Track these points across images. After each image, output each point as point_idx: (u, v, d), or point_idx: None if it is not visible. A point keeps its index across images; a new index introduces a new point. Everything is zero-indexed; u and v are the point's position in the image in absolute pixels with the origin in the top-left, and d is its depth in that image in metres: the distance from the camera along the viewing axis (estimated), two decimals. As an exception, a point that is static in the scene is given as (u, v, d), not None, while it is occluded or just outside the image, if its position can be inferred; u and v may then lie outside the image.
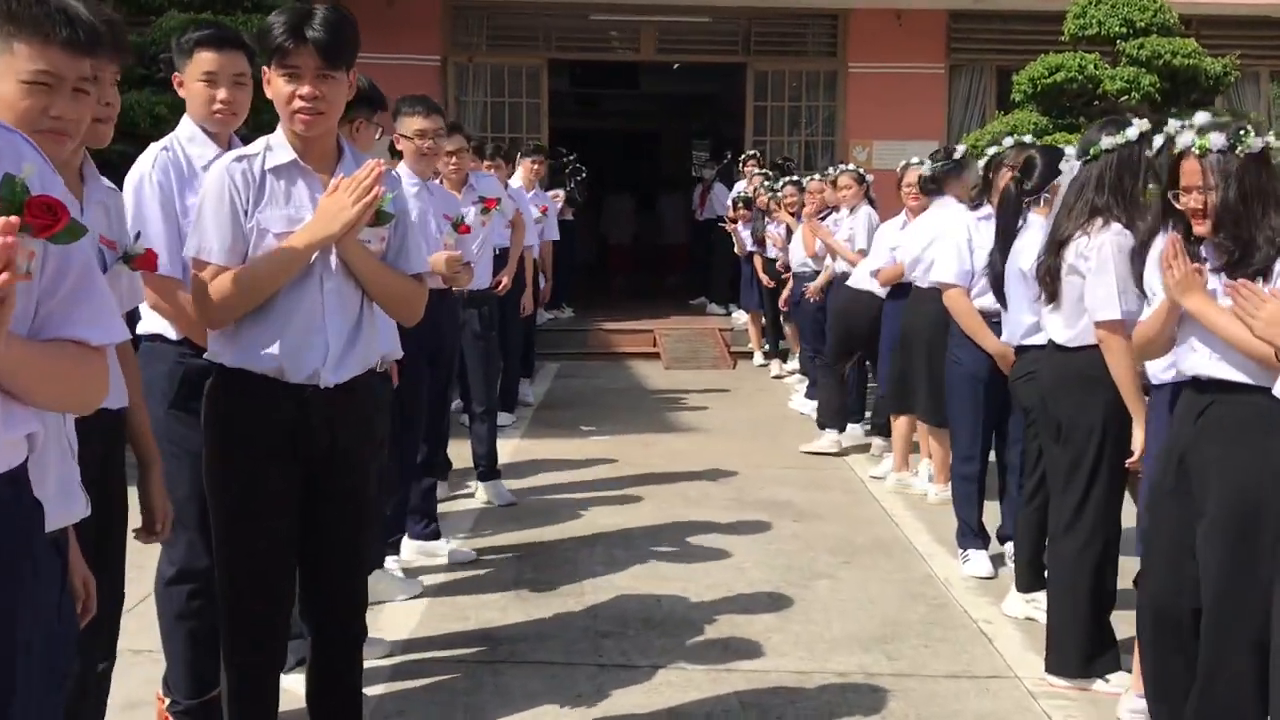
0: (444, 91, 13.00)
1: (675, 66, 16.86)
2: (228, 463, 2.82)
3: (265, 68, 2.79)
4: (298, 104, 2.76)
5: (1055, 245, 3.74)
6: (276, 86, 2.76)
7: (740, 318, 12.62)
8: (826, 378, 7.57)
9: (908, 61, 13.41)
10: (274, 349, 2.76)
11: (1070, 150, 4.06)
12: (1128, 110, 11.09)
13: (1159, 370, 3.50)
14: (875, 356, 7.36)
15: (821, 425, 7.54)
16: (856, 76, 13.47)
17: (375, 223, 2.84)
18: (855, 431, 7.68)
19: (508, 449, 7.31)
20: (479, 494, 6.17)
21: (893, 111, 13.29)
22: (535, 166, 9.65)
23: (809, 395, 8.69)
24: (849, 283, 7.34)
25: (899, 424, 6.63)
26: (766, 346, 11.21)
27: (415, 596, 4.62)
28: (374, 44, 13.16)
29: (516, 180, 11.59)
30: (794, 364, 10.61)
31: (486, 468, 6.16)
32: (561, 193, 12.35)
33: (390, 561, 4.76)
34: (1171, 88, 10.62)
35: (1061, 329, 3.79)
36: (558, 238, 10.09)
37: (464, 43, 13.19)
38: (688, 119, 20.90)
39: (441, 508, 5.93)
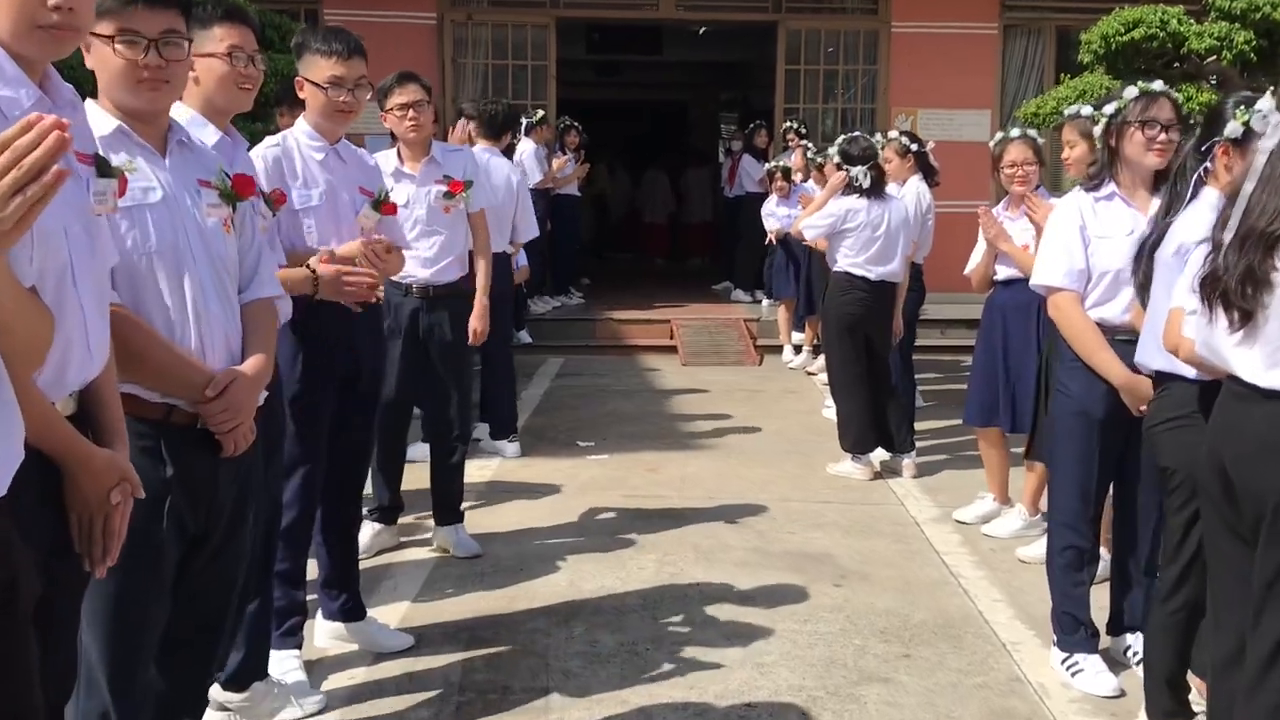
0: (440, 54, 11.71)
1: (701, 30, 15.53)
2: None
3: None
4: None
5: (1265, 241, 2.41)
6: None
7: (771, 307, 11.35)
8: (846, 391, 6.26)
9: (957, 21, 12.01)
10: None
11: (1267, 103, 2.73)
12: (1215, 73, 9.72)
13: None
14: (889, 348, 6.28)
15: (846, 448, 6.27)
16: (900, 37, 12.06)
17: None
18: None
19: (485, 473, 6.07)
20: (436, 541, 4.91)
21: (940, 77, 11.91)
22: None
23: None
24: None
25: (989, 440, 5.39)
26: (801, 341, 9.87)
27: (313, 715, 3.38)
28: (365, 1, 11.97)
29: (521, 153, 10.38)
30: (820, 359, 9.33)
31: (446, 508, 4.90)
32: (568, 157, 11.10)
33: (287, 660, 3.51)
34: (1269, 46, 9.20)
35: (1261, 369, 2.47)
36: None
37: (462, 0, 11.87)
38: (716, 89, 19.60)
39: (386, 559, 4.73)
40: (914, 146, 6.73)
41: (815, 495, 5.82)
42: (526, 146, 10.38)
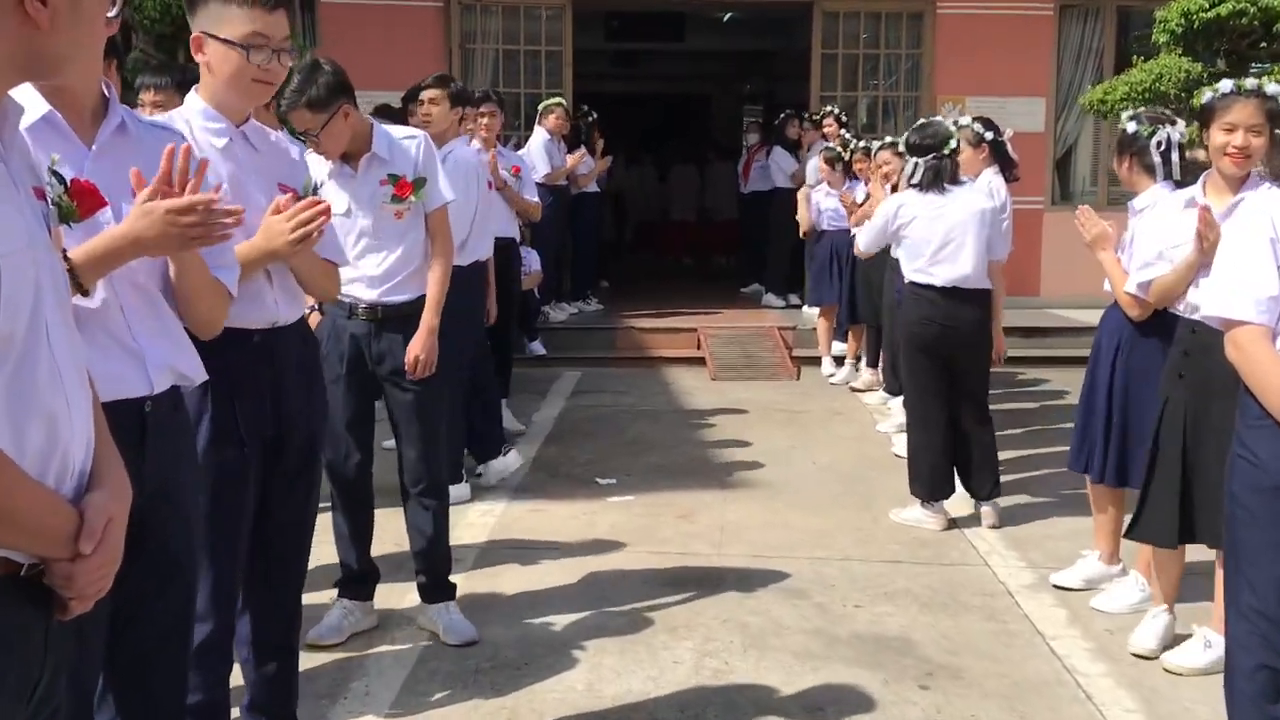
0: (447, 38, 10.79)
1: (726, 17, 14.58)
2: None
3: None
4: None
5: None
6: None
7: (809, 314, 10.43)
8: (920, 425, 5.29)
9: (1009, 1, 11.04)
10: None
11: None
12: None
13: None
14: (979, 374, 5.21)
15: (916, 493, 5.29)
16: (947, 19, 11.08)
17: None
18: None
19: (488, 521, 5.15)
20: (421, 621, 3.98)
21: (990, 61, 10.95)
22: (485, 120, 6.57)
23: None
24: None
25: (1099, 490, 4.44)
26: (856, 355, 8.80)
27: None
28: (366, -18, 11.04)
29: (535, 145, 9.45)
30: (863, 370, 8.41)
31: (431, 581, 3.97)
32: (584, 152, 10.13)
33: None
34: (1374, 22, 8.21)
35: None
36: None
37: (472, -21, 10.94)
38: (740, 80, 18.67)
39: (359, 649, 3.80)
40: (989, 135, 5.76)
41: (881, 551, 4.86)
42: (537, 137, 9.46)
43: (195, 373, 2.23)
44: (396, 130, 3.97)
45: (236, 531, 2.63)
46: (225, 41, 2.53)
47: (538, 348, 9.17)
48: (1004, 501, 5.43)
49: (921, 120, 5.39)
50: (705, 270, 15.74)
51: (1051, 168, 11.27)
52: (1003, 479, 5.73)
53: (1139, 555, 4.25)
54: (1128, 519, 4.00)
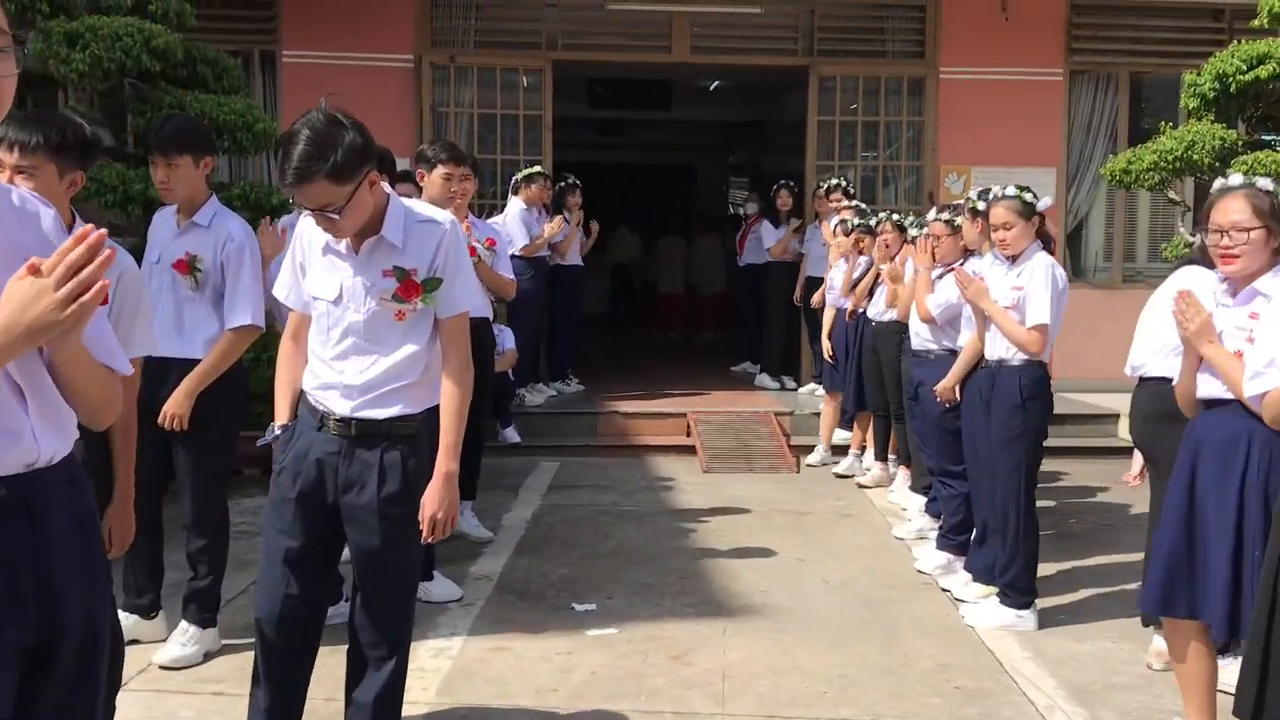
0: (418, 99, 10.06)
1: (712, 86, 13.97)
2: None
3: None
4: None
5: None
6: None
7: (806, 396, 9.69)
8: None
9: (1016, 66, 10.43)
10: None
11: None
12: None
13: None
14: None
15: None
16: (950, 84, 10.44)
17: None
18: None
19: (436, 674, 4.27)
20: (344, 819, 3.11)
21: (996, 130, 10.34)
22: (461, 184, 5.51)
23: (942, 544, 5.55)
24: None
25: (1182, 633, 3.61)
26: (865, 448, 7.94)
27: None
28: (330, 40, 10.30)
29: (511, 215, 8.79)
30: (871, 465, 7.60)
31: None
32: (561, 220, 9.36)
33: None
34: None
35: None
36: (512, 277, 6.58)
37: (446, 39, 10.23)
38: (724, 151, 18.13)
39: None
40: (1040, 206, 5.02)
41: (919, 707, 3.99)
42: (513, 207, 8.77)
43: None
44: (418, 208, 3.10)
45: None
46: None
47: (511, 435, 8.35)
48: (1051, 634, 4.62)
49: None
50: (691, 344, 15.04)
51: (1063, 243, 10.58)
52: (1040, 604, 4.91)
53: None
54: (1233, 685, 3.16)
